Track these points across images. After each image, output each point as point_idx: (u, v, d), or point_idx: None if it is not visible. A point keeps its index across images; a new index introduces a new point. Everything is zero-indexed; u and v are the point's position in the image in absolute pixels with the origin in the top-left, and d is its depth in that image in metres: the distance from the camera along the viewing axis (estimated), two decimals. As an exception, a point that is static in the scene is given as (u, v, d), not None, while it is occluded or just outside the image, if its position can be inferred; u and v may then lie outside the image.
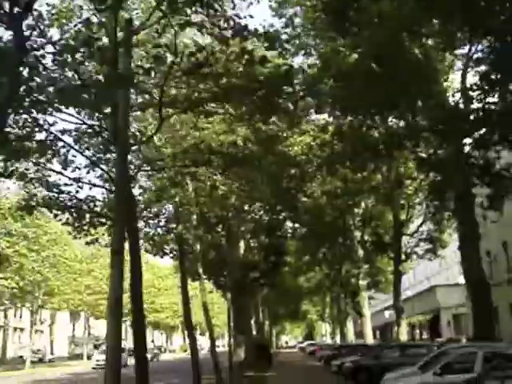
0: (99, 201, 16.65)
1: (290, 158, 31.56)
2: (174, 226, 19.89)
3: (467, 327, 47.34)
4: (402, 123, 31.92)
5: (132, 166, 15.46)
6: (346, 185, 36.12)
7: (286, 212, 35.47)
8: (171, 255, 26.63)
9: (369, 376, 23.64)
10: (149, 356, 40.62)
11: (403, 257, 31.02)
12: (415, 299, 60.34)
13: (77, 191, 14.66)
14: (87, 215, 15.70)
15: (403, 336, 29.95)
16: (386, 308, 74.41)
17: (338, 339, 68.81)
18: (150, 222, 20.42)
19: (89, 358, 67.89)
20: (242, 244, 34.21)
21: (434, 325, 53.72)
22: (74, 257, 53.48)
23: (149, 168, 16.22)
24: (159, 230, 23.82)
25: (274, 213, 33.78)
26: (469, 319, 47.50)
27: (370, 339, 42.11)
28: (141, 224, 21.30)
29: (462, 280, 56.28)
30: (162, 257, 26.78)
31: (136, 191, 18.64)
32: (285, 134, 29.65)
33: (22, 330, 68.03)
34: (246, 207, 33.46)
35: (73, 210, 15.12)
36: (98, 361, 46.32)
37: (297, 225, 38.69)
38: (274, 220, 34.51)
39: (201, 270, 24.68)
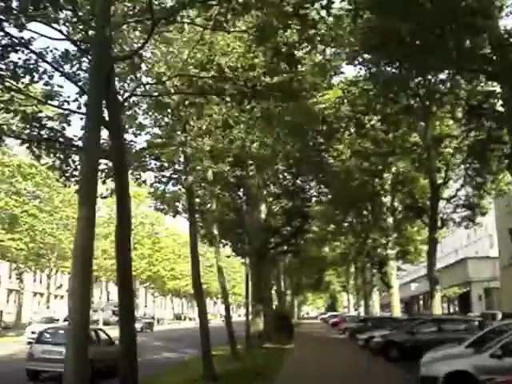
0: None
1: (315, 112, 28.99)
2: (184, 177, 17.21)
3: (499, 302, 44.89)
4: (442, 75, 29.30)
5: (122, 91, 12.82)
6: (377, 146, 33.54)
7: (311, 173, 32.92)
8: (185, 215, 24.15)
9: (401, 353, 21.20)
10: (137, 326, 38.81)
11: (439, 223, 28.24)
12: (444, 272, 57.55)
13: (63, 127, 12.18)
14: (76, 157, 13.22)
15: (437, 309, 27.36)
16: (412, 280, 71.99)
17: (361, 311, 66.57)
18: (156, 173, 17.75)
19: (105, 323, 66.67)
20: (263, 208, 31.78)
21: (465, 299, 51.04)
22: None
23: (140, 92, 13.41)
24: (168, 184, 21.33)
25: (298, 173, 31.25)
26: (502, 294, 45.13)
27: (397, 312, 39.65)
28: (146, 176, 18.91)
29: (493, 253, 54.05)
30: (174, 216, 24.38)
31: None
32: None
33: (41, 294, 66.87)
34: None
35: (55, 148, 12.55)
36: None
37: (322, 189, 35.99)
38: (299, 181, 32.06)
39: (216, 232, 22.20)
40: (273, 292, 53.38)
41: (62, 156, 13.12)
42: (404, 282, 71.78)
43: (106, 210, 58.40)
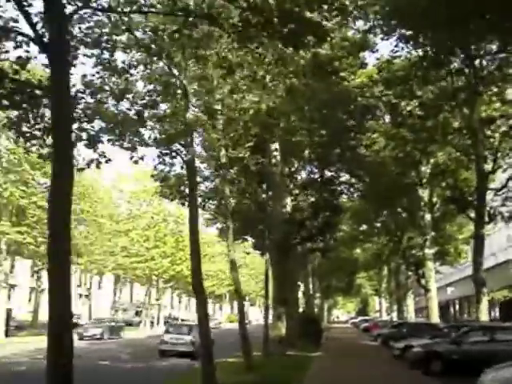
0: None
1: (347, 90, 25.92)
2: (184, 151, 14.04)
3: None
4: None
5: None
6: (414, 133, 30.37)
7: (341, 163, 29.80)
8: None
9: (446, 367, 17.89)
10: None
11: (486, 218, 24.82)
12: (485, 274, 53.60)
13: (15, 71, 9.17)
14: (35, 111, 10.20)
15: (484, 315, 23.95)
16: (448, 284, 68.09)
17: (394, 316, 62.93)
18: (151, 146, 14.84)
19: (128, 324, 64.48)
20: (288, 200, 28.76)
21: (509, 304, 47.12)
22: (107, 215, 49.14)
23: (96, 5, 9.87)
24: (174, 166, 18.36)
25: (326, 162, 28.17)
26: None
27: (435, 317, 36.17)
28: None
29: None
30: (182, 204, 21.46)
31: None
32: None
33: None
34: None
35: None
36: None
37: (354, 181, 32.73)
38: (327, 171, 29.01)
39: (230, 222, 19.16)
40: (300, 294, 50.47)
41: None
42: (440, 285, 67.77)
43: (126, 205, 56.11)
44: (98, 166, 11.91)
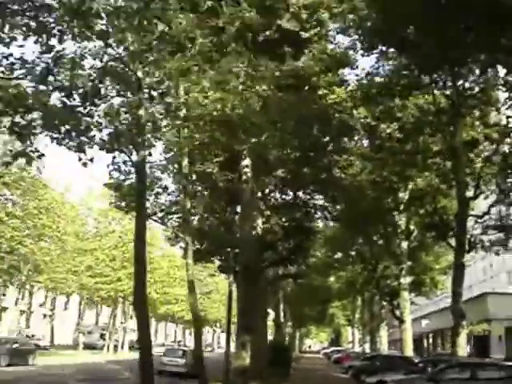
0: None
1: (324, 106, 24.55)
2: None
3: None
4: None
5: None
6: (393, 156, 29.21)
7: (315, 184, 28.30)
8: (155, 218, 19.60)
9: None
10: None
11: (466, 246, 23.43)
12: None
13: None
14: None
15: (462, 350, 22.39)
16: (422, 316, 66.67)
17: (367, 347, 61.27)
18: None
19: (91, 347, 61.93)
20: (258, 220, 27.16)
21: (483, 339, 45.74)
22: (73, 232, 47.05)
23: None
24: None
25: (300, 182, 26.63)
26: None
27: (409, 350, 34.61)
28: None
29: (512, 290, 49.07)
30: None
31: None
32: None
33: (22, 311, 62.17)
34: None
35: None
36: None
37: (328, 203, 31.19)
38: (301, 193, 27.45)
39: (189, 241, 17.45)
40: (270, 322, 48.64)
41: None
42: (414, 317, 66.52)
43: (94, 223, 53.94)
44: (28, 162, 10.20)
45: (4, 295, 53.83)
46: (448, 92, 24.58)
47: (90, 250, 49.21)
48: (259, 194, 27.69)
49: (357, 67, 27.00)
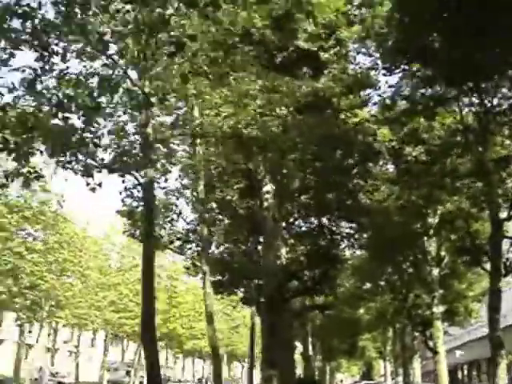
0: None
1: (347, 128, 23.71)
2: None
3: None
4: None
5: None
6: (420, 180, 28.18)
7: (341, 209, 27.30)
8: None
9: None
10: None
11: (502, 271, 22.08)
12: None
13: None
14: None
15: (502, 381, 20.90)
16: (457, 347, 64.29)
17: (400, 380, 59.08)
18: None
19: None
20: (283, 251, 26.20)
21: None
22: (96, 267, 46.51)
23: None
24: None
25: (324, 208, 25.65)
26: None
27: (444, 383, 32.92)
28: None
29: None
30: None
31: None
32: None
33: (48, 349, 61.47)
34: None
35: None
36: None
37: (354, 230, 30.11)
38: (325, 219, 26.46)
39: (206, 268, 16.59)
40: (298, 356, 47.20)
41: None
42: (448, 348, 64.20)
43: (117, 257, 53.41)
44: (25, 185, 9.51)
45: (30, 332, 53.39)
46: (475, 109, 23.56)
47: (113, 285, 48.54)
48: (283, 223, 26.87)
49: (379, 88, 26.23)
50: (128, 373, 67.68)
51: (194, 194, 17.30)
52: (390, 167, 32.88)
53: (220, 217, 25.33)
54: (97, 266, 47.44)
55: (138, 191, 14.66)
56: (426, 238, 33.10)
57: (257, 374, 30.99)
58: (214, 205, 23.60)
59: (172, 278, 63.04)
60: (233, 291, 27.52)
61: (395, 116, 24.78)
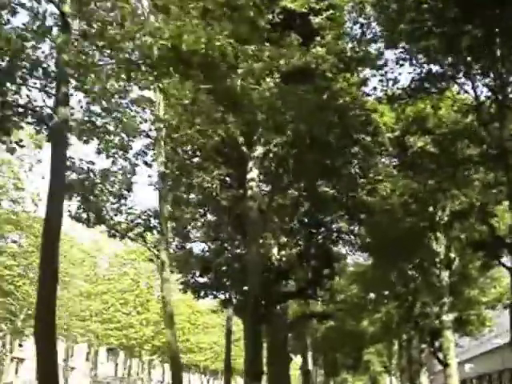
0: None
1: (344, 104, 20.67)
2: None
3: None
4: None
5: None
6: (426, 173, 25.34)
7: (337, 204, 24.20)
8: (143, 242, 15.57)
9: None
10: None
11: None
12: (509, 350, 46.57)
13: None
14: None
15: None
16: (466, 360, 60.53)
17: (406, 396, 55.52)
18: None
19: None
20: (273, 247, 23.08)
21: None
22: (79, 273, 43.47)
23: None
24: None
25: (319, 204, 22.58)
26: None
27: (456, 398, 29.67)
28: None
29: None
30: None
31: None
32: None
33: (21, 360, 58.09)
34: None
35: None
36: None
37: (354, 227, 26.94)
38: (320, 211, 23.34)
39: (164, 257, 13.49)
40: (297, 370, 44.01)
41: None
42: (458, 361, 60.46)
43: (104, 265, 50.30)
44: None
45: (20, 346, 50.43)
46: (490, 83, 20.57)
47: (98, 294, 45.39)
48: (275, 219, 23.86)
49: (382, 67, 23.09)
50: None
51: (155, 165, 14.28)
52: (393, 160, 30.19)
53: (201, 211, 22.34)
54: (81, 274, 44.36)
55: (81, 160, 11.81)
56: (433, 237, 29.98)
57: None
58: (193, 195, 20.66)
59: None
60: (216, 295, 24.38)
61: (399, 94, 21.87)
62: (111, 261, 49.38)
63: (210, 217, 22.93)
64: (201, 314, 71.99)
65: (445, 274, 30.45)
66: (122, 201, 14.85)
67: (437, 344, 33.07)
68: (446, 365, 30.03)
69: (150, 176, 15.84)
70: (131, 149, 14.98)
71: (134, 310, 47.25)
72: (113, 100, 13.30)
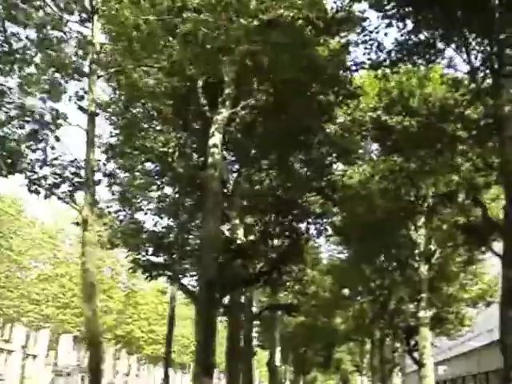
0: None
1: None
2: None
3: None
4: None
5: None
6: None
7: (310, 182, 21.77)
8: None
9: None
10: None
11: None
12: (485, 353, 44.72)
13: None
14: None
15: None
16: (438, 362, 58.55)
17: (377, 397, 53.55)
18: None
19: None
20: (240, 232, 20.58)
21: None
22: (37, 255, 40.71)
23: None
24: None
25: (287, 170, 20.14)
26: None
27: (432, 403, 27.51)
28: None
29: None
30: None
31: None
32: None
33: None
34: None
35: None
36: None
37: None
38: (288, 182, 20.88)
39: (87, 212, 10.96)
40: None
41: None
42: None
43: (66, 247, 47.31)
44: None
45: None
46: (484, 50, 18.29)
47: (55, 277, 42.49)
48: (242, 201, 21.44)
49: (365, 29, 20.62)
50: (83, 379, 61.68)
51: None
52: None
53: (158, 182, 19.84)
54: (42, 255, 41.52)
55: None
56: (413, 227, 27.80)
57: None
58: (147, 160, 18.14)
59: (132, 276, 57.08)
60: (171, 277, 21.77)
61: (384, 59, 19.49)
62: (73, 243, 46.48)
63: (166, 189, 20.39)
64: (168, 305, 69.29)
65: (424, 268, 28.28)
66: (43, 145, 12.22)
67: (412, 343, 31.08)
68: (421, 365, 27.82)
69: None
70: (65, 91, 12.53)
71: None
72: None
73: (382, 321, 36.80)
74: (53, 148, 12.35)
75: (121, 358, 77.57)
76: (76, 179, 11.50)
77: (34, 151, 12.05)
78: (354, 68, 19.55)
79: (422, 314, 28.16)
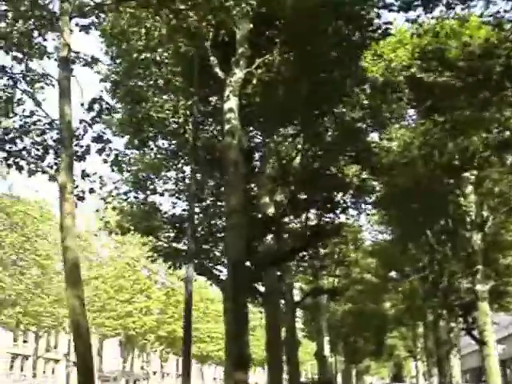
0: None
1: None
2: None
3: None
4: None
5: None
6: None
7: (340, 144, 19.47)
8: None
9: None
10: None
11: None
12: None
13: None
14: None
15: None
16: (498, 340, 55.34)
17: (435, 381, 50.76)
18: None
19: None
20: (271, 209, 18.43)
21: None
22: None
23: None
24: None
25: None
26: None
27: (497, 382, 24.96)
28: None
29: None
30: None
31: None
32: None
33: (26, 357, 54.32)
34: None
35: None
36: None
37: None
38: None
39: (63, 176, 8.96)
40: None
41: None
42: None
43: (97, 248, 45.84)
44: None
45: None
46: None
47: (88, 280, 40.97)
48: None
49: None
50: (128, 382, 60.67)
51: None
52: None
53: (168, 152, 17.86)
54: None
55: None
56: (461, 193, 25.32)
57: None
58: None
59: (170, 274, 55.57)
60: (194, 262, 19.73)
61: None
62: (103, 243, 44.96)
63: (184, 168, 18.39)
64: (211, 302, 67.81)
65: (477, 237, 25.75)
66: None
67: (470, 320, 28.58)
68: (482, 343, 25.30)
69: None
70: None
71: (131, 298, 42.88)
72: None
73: (435, 299, 34.13)
74: (32, 113, 10.46)
75: (168, 360, 76.44)
76: (60, 146, 9.59)
77: (6, 115, 10.17)
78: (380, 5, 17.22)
79: (479, 287, 25.66)
